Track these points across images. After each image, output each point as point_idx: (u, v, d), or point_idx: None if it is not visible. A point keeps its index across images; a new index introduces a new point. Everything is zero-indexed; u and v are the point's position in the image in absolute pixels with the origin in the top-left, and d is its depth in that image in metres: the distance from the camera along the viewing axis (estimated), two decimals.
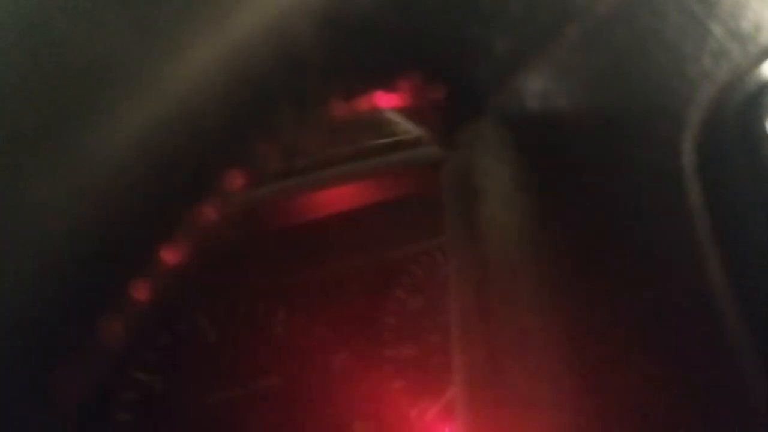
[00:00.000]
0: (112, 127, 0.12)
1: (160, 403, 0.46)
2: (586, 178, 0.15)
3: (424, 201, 0.42)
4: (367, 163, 0.43)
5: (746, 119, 0.15)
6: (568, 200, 0.15)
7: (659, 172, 0.15)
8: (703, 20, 0.15)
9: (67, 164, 0.12)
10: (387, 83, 0.15)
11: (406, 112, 0.17)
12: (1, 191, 0.12)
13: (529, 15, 0.15)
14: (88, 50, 0.12)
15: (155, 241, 0.13)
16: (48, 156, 0.12)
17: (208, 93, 0.12)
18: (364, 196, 0.45)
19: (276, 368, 0.48)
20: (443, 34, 0.15)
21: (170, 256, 0.13)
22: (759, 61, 0.15)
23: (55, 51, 0.12)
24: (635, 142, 0.15)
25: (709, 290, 0.15)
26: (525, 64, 0.15)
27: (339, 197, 0.45)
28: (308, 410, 0.49)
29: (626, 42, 0.15)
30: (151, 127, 0.12)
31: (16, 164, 0.12)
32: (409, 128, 0.19)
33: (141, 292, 0.13)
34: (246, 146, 0.13)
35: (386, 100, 0.16)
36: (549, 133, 0.15)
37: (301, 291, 0.49)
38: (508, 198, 0.16)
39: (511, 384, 0.16)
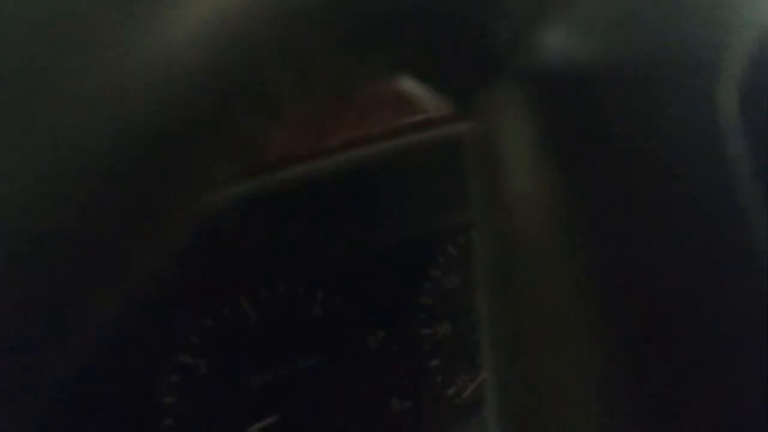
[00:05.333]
0: (83, 91, 0.11)
1: (205, 385, 0.47)
2: (615, 137, 0.14)
3: (458, 179, 0.42)
4: (399, 142, 0.43)
5: None
6: (596, 162, 0.14)
7: (695, 128, 0.14)
8: None
9: (27, 137, 0.10)
10: (396, 46, 0.14)
11: (423, 79, 0.16)
12: None
13: None
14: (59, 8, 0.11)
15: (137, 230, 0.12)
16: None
17: (193, 56, 0.11)
18: (397, 175, 0.46)
19: (316, 348, 0.49)
20: None
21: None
22: None
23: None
24: (667, 97, 0.14)
25: (755, 252, 0.13)
26: (544, 18, 0.14)
27: (372, 177, 0.46)
28: (347, 388, 0.49)
29: None
30: (127, 96, 0.11)
31: None
32: (440, 105, 0.18)
33: None
34: (240, 118, 0.12)
35: (398, 66, 0.15)
36: (573, 91, 0.14)
37: (339, 272, 0.50)
38: (533, 163, 0.15)
39: (538, 361, 0.15)
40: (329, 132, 0.41)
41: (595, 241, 0.14)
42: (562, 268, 0.14)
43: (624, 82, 0.14)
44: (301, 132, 0.39)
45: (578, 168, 0.14)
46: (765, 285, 0.13)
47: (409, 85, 0.16)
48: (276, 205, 0.43)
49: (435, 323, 0.51)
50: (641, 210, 0.14)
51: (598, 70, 0.14)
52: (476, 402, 0.51)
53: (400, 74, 0.16)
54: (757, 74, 0.14)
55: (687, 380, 0.13)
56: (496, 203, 0.16)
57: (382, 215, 0.49)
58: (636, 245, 0.14)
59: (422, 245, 0.51)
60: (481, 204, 0.16)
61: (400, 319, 0.51)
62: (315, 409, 0.49)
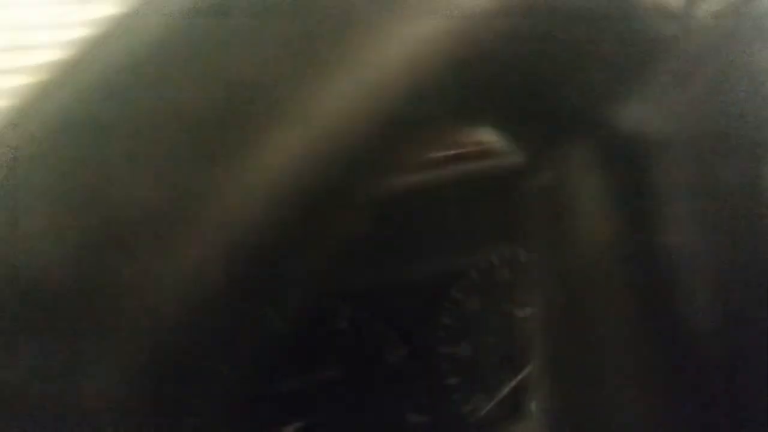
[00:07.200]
0: (270, 155, 0.13)
1: (230, 392, 0.48)
2: (674, 200, 0.16)
3: (491, 209, 0.43)
4: (429, 176, 0.44)
5: None
6: (656, 219, 0.16)
7: (745, 201, 0.15)
8: None
9: (227, 187, 0.13)
10: (492, 110, 0.16)
11: (503, 133, 0.18)
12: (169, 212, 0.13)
13: (620, 52, 0.16)
14: (255, 80, 0.13)
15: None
16: (210, 179, 0.13)
17: (350, 124, 0.13)
18: (428, 206, 0.47)
19: (338, 361, 0.50)
20: (544, 70, 0.16)
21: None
22: None
23: (219, 79, 0.13)
24: (720, 169, 0.16)
25: None
26: (618, 94, 0.16)
27: (403, 207, 0.46)
28: (365, 400, 0.51)
29: (714, 75, 0.16)
30: (303, 156, 0.13)
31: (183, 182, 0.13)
32: (479, 139, 0.20)
33: None
34: (373, 174, 0.15)
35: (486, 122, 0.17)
36: (639, 155, 0.16)
37: (365, 289, 0.51)
38: (599, 214, 0.16)
39: (599, 411, 0.16)
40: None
41: (657, 295, 0.16)
42: (625, 319, 0.16)
43: (685, 152, 0.16)
44: None
45: (640, 222, 0.16)
46: None
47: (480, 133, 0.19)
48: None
49: (454, 343, 0.52)
50: (699, 273, 0.16)
51: (662, 142, 0.16)
52: (491, 421, 0.52)
53: (483, 128, 0.18)
54: None
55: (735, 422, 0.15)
56: (562, 244, 0.17)
57: (411, 242, 0.50)
58: (693, 303, 0.15)
59: (446, 269, 0.53)
60: (543, 251, 0.18)
61: (422, 337, 0.52)
62: (333, 419, 0.50)
